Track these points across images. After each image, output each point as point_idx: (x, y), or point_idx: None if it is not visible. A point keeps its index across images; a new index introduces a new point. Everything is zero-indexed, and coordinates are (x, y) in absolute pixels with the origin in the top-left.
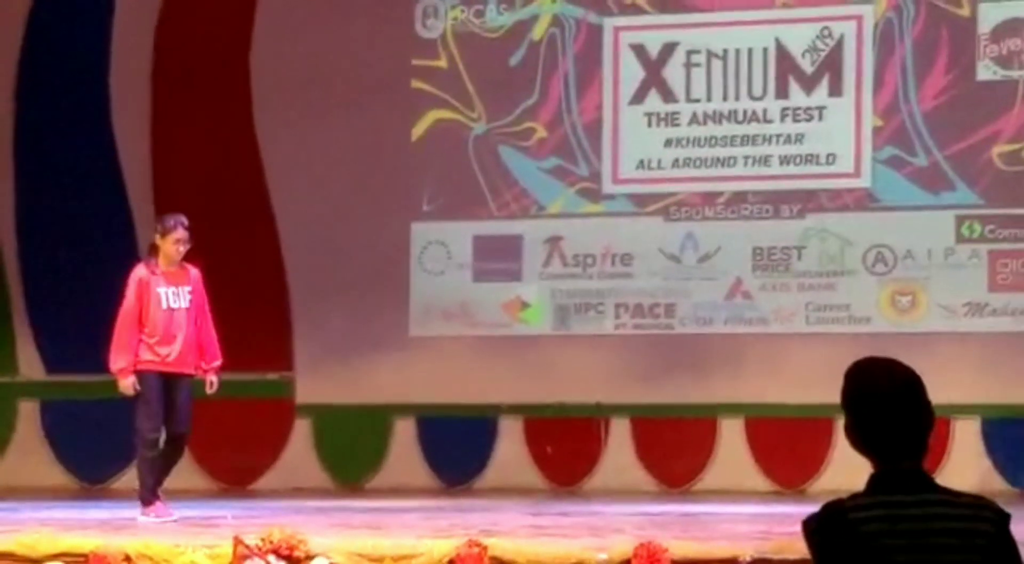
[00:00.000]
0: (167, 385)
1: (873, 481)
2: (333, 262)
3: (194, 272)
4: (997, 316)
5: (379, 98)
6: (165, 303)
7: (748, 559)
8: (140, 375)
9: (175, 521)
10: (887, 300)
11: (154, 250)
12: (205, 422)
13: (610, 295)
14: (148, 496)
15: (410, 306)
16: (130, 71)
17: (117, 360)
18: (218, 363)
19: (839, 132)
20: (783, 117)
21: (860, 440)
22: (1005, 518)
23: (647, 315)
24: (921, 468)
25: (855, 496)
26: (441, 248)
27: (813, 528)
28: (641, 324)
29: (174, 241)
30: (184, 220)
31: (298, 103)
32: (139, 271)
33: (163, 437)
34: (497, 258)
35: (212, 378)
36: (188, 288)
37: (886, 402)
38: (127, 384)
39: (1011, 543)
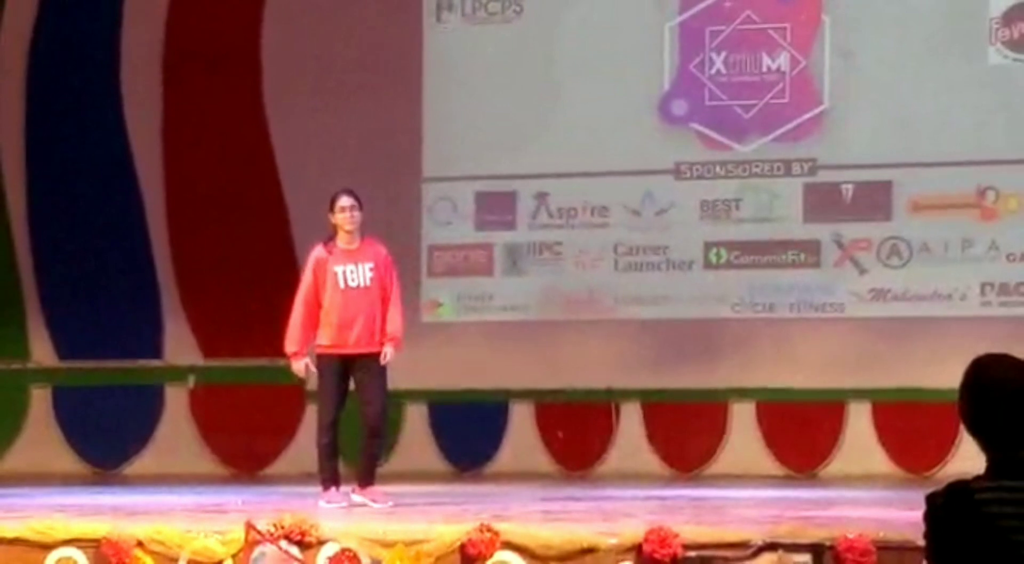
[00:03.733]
0: (347, 368)
1: (993, 467)
2: None
3: (380, 250)
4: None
5: (389, 84)
6: (342, 282)
7: (759, 543)
8: (317, 358)
9: (384, 508)
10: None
11: (333, 230)
12: (216, 408)
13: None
14: (325, 481)
15: (420, 293)
16: (141, 58)
17: (289, 343)
18: (394, 335)
19: None
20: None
21: (976, 429)
22: None
23: None
24: None
25: (978, 478)
26: None
27: (938, 503)
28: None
29: (340, 209)
30: (348, 188)
31: (309, 90)
32: (315, 251)
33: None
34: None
35: (387, 349)
36: (369, 265)
37: (1001, 395)
38: (299, 367)
39: None
